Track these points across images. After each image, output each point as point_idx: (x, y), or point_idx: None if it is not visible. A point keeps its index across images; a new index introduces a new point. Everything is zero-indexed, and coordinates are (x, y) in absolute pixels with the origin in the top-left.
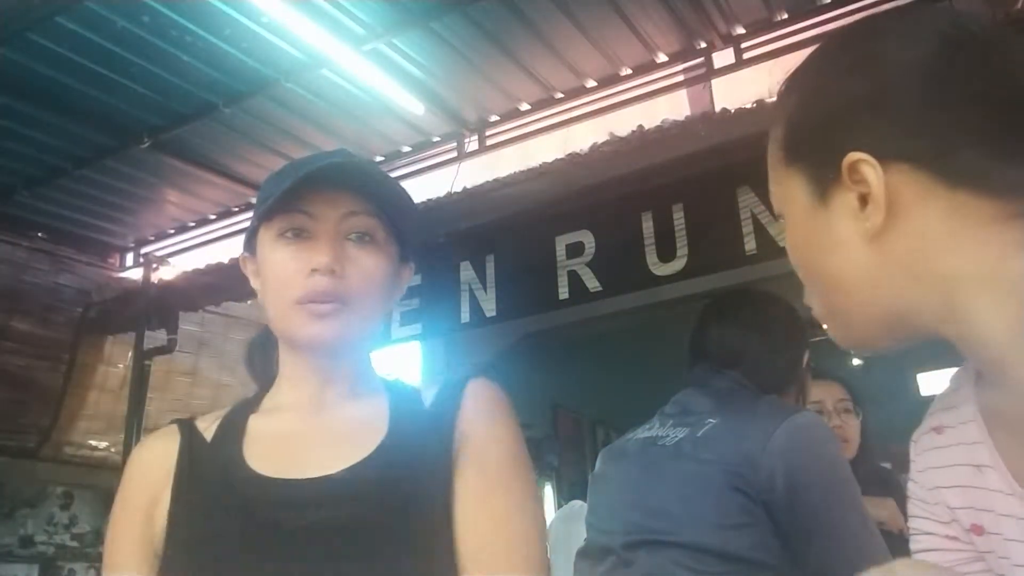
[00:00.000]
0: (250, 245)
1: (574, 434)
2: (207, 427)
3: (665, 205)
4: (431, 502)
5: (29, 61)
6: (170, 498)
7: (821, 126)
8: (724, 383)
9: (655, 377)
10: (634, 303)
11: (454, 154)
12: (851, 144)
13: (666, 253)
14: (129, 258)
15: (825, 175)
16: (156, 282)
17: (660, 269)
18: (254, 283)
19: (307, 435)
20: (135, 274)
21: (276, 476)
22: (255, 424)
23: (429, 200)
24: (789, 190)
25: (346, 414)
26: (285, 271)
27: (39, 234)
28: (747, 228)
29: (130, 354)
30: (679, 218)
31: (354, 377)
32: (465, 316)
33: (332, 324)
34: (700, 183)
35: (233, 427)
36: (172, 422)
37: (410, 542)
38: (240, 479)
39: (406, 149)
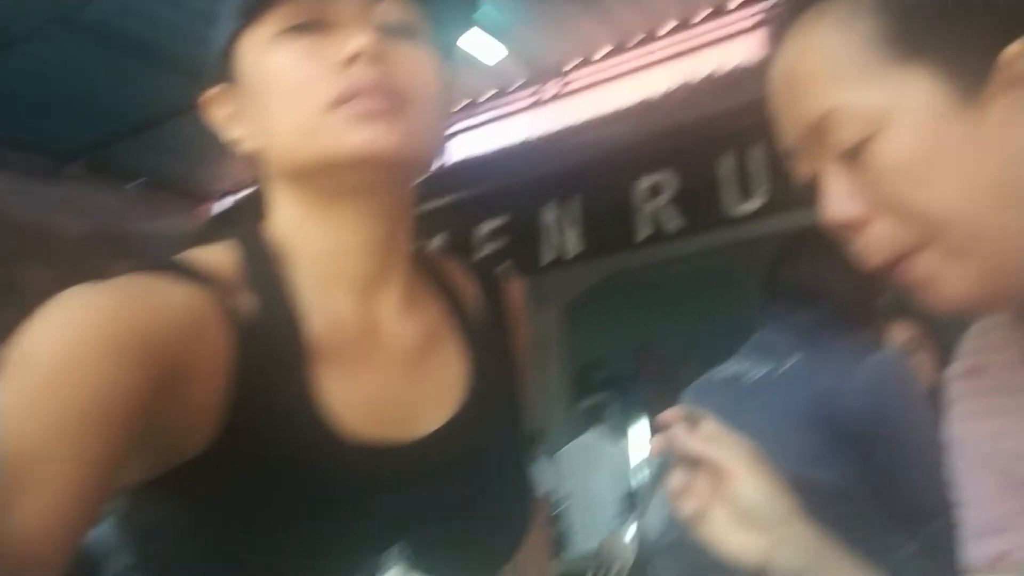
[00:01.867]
0: (223, 67)
1: (659, 374)
2: (242, 295)
3: (744, 145)
4: (523, 439)
5: (123, 15)
6: (224, 407)
7: (969, 13)
8: (805, 320)
9: (739, 316)
10: (714, 243)
11: (533, 100)
12: (1015, 32)
13: (745, 193)
14: (219, 205)
15: (978, 67)
16: None
17: (739, 209)
18: (230, 129)
19: (381, 364)
20: None
21: (370, 438)
22: (317, 327)
23: (509, 146)
24: (905, 91)
25: (411, 328)
26: (302, 72)
27: (138, 182)
28: None
29: None
30: (758, 158)
31: (406, 249)
32: (547, 257)
33: (389, 128)
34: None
35: (286, 321)
36: (179, 269)
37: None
38: (323, 439)
39: (485, 98)
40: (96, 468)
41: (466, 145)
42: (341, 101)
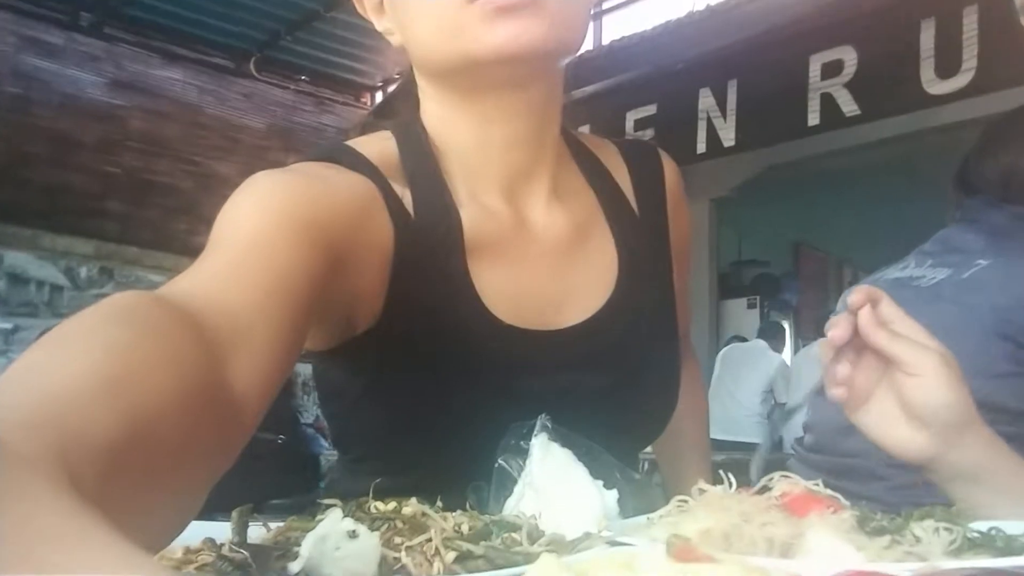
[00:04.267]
0: None
1: (817, 273)
2: (400, 187)
3: (952, 10)
4: (670, 331)
5: None
6: (386, 292)
7: None
8: (1002, 219)
9: (913, 214)
10: (899, 129)
11: None
12: None
13: (947, 67)
14: (379, 96)
15: None
16: None
17: (937, 87)
18: (379, 20)
19: (531, 256)
20: None
21: (520, 326)
22: (470, 221)
23: (668, 21)
24: None
25: (560, 220)
26: None
27: (302, 77)
28: None
29: None
30: (970, 25)
31: (555, 139)
32: (701, 146)
33: (528, 23)
34: None
35: (442, 213)
36: (345, 159)
37: (655, 385)
38: (477, 325)
39: None
40: (289, 330)
41: (617, 25)
42: None
